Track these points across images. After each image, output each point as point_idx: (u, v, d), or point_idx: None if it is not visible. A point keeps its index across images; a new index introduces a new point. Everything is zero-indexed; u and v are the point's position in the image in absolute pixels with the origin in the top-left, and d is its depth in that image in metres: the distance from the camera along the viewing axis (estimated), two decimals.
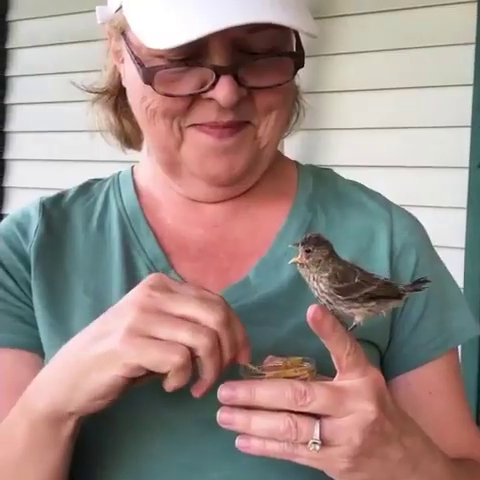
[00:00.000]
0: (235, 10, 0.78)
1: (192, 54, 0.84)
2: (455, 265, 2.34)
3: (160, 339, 0.74)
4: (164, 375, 0.75)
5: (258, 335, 0.87)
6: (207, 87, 0.84)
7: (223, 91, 0.83)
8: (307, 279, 0.77)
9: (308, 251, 0.76)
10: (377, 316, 0.78)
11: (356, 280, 0.76)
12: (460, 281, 2.44)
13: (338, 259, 0.77)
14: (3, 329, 0.92)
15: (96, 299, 0.91)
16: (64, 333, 0.86)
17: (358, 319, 0.77)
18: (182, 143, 0.89)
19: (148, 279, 0.78)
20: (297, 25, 0.82)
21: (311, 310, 0.74)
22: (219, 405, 0.74)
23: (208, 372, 0.76)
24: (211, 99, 0.85)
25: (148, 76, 0.85)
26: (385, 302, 0.77)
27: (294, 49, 0.90)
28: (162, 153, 0.93)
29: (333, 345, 0.74)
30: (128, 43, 0.88)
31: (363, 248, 0.96)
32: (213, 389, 0.76)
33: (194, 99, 0.86)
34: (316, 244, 0.76)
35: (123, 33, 0.89)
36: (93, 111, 1.00)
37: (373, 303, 0.76)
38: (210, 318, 0.75)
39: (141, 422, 0.86)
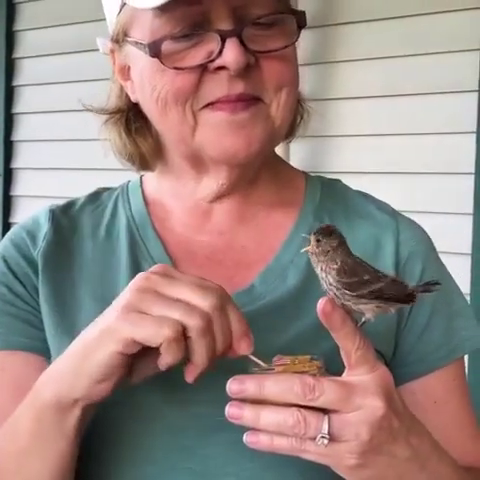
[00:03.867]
0: None
1: (195, 25, 0.86)
2: (462, 271, 2.34)
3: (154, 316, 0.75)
4: (158, 353, 0.76)
5: (263, 341, 0.88)
6: (214, 55, 0.86)
7: (231, 54, 0.85)
8: (316, 269, 0.78)
9: (318, 241, 0.77)
10: (386, 313, 0.78)
11: (365, 276, 0.76)
12: (467, 287, 2.43)
13: (347, 251, 0.77)
14: (14, 332, 0.93)
15: (104, 305, 0.92)
16: (72, 338, 0.86)
17: (368, 315, 0.77)
18: (196, 128, 0.90)
19: (152, 267, 0.80)
20: None
21: (321, 302, 0.74)
22: (223, 410, 0.74)
23: (199, 354, 0.76)
24: (219, 70, 0.87)
25: (155, 49, 0.87)
26: (392, 303, 0.78)
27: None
28: (179, 145, 0.94)
29: (342, 339, 0.74)
30: (133, 38, 0.91)
31: (369, 257, 0.96)
32: (204, 375, 0.77)
33: (203, 75, 0.88)
34: (326, 234, 0.77)
35: (126, 35, 0.92)
36: (105, 131, 1.01)
37: (380, 301, 0.76)
38: (203, 302, 0.76)
39: (144, 427, 0.86)
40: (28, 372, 0.89)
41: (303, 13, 0.92)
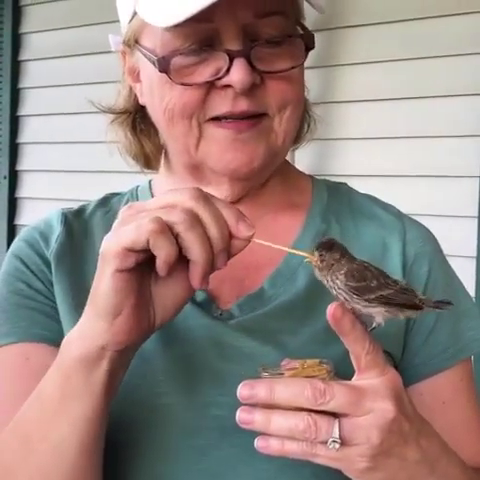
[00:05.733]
0: None
1: (205, 42, 0.87)
2: (467, 274, 2.34)
3: None
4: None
5: (273, 344, 0.88)
6: (222, 73, 0.87)
7: (238, 74, 0.86)
8: (323, 281, 0.78)
9: (321, 255, 0.77)
10: (395, 318, 0.78)
11: (373, 282, 0.76)
12: (472, 290, 2.43)
13: (352, 260, 0.78)
14: (35, 325, 0.94)
15: None
16: None
17: (378, 320, 0.77)
18: (201, 140, 0.92)
19: None
20: None
21: (331, 307, 0.74)
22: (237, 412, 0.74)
23: (194, 249, 0.74)
24: (226, 88, 0.88)
25: (164, 64, 0.88)
26: (400, 309, 0.78)
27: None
28: (182, 155, 0.95)
29: (352, 343, 0.74)
30: (143, 47, 0.92)
31: (376, 259, 0.97)
32: (208, 277, 0.76)
33: (209, 91, 0.89)
34: (328, 248, 0.78)
35: (136, 42, 0.93)
36: (112, 130, 1.02)
37: (389, 307, 0.77)
38: (181, 198, 0.75)
39: (159, 427, 0.86)
40: (50, 363, 0.87)
41: (311, 35, 0.93)
